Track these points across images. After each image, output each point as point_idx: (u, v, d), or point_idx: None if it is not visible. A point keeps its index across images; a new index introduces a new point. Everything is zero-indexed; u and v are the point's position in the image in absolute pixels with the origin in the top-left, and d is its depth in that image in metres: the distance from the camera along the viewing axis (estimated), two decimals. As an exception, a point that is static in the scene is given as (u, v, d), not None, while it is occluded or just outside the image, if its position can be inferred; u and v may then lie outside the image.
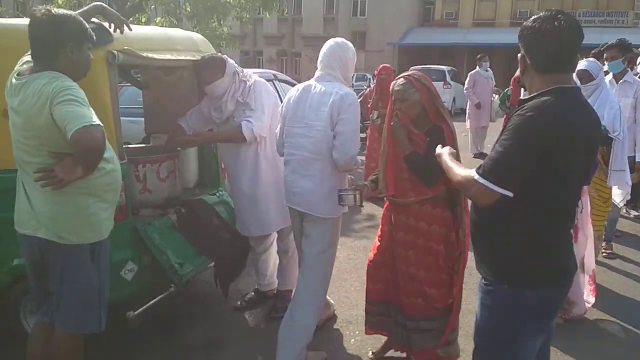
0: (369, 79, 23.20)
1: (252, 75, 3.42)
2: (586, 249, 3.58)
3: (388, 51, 31.24)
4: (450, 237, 2.75)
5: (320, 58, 2.96)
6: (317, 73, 2.97)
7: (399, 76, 2.80)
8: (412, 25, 32.65)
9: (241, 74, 3.33)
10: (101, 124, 2.10)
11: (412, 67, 17.42)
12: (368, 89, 8.95)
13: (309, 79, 3.01)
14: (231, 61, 3.33)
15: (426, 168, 2.64)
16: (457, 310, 2.77)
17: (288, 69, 31.72)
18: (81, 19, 2.29)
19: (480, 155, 9.82)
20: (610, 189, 4.12)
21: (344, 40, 3.01)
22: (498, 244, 1.85)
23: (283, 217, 3.33)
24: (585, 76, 3.80)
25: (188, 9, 15.50)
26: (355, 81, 21.65)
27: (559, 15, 1.72)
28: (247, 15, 16.10)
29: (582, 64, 3.80)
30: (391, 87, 2.81)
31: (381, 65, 6.69)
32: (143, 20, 15.17)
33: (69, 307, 2.36)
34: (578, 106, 1.76)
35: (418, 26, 33.21)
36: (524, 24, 1.81)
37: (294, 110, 2.93)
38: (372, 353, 3.18)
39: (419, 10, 34.06)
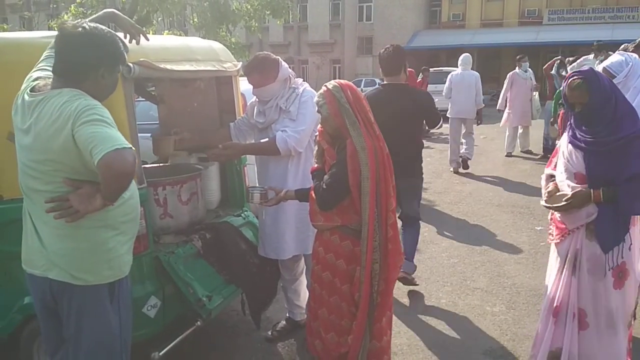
0: (378, 83, 22.90)
1: (303, 83, 3.17)
2: (636, 296, 2.69)
3: (396, 55, 30.92)
4: (356, 278, 2.44)
5: (460, 62, 8.43)
6: (460, 68, 8.39)
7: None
8: (418, 28, 32.36)
9: (292, 80, 3.09)
10: (132, 147, 1.83)
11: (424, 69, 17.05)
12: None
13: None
14: (285, 65, 3.09)
15: (319, 188, 2.44)
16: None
17: (295, 77, 31.49)
18: (118, 39, 2.02)
19: (509, 155, 9.73)
20: None
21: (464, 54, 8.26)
22: None
23: (298, 244, 3.12)
24: (607, 75, 3.33)
25: (195, 19, 15.29)
26: (364, 86, 21.29)
27: None
28: (256, 24, 15.85)
29: (605, 62, 3.36)
30: None
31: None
32: (151, 34, 14.98)
33: (87, 357, 2.07)
34: None
35: (425, 29, 32.90)
36: None
37: (459, 81, 8.26)
38: None
39: (426, 12, 33.75)
